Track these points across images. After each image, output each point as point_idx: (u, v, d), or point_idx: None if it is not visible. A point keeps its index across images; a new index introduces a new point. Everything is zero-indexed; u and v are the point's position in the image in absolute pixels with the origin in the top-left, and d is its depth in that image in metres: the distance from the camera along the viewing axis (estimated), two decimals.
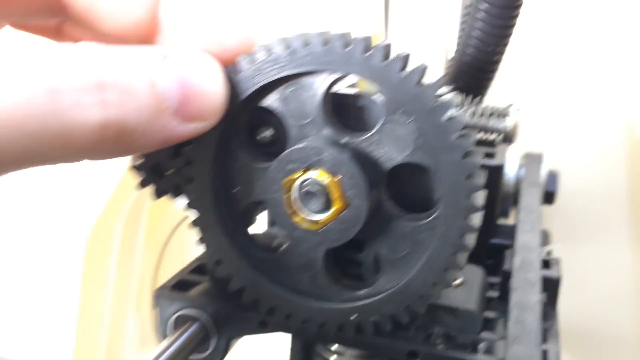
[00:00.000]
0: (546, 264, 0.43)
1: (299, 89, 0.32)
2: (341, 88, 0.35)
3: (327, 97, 0.32)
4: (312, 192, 0.32)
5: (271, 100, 0.33)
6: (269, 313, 0.37)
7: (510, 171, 0.55)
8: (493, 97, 0.46)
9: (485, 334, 0.38)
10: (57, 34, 0.36)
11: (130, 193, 0.78)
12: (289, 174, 0.32)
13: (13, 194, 0.77)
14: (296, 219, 0.33)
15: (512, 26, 0.37)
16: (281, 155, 0.32)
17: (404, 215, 0.34)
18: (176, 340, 0.40)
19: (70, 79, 0.25)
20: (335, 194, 0.32)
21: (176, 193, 0.37)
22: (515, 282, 0.35)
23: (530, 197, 0.48)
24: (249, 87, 0.32)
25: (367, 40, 0.30)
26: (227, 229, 0.36)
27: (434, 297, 0.33)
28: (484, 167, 0.50)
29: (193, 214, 0.37)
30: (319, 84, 0.32)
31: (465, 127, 0.31)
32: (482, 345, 0.37)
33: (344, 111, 0.35)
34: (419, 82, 0.30)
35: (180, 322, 0.42)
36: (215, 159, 0.34)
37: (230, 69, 0.32)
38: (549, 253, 0.45)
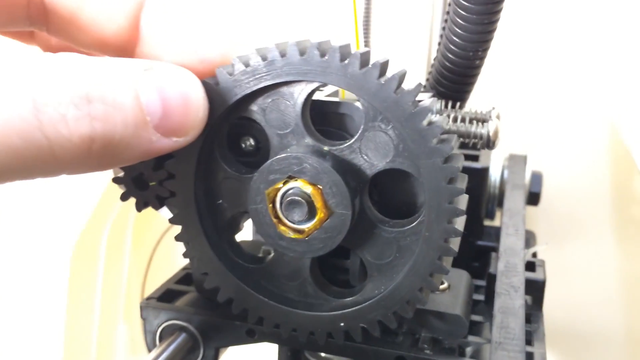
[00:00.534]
0: (531, 266, 0.43)
1: (279, 99, 0.32)
2: (322, 96, 0.35)
3: (306, 106, 0.32)
4: (295, 202, 0.32)
5: (252, 111, 0.33)
6: (257, 323, 0.37)
7: (495, 173, 0.55)
8: (476, 99, 0.46)
9: (471, 338, 0.38)
10: (30, 38, 0.36)
11: (116, 201, 0.78)
12: (271, 184, 0.32)
13: None
14: (281, 229, 0.33)
15: (492, 31, 0.37)
16: (263, 166, 0.32)
17: (388, 221, 0.34)
18: (164, 351, 0.40)
19: (56, 92, 0.24)
20: (318, 203, 0.32)
21: (159, 204, 0.37)
22: (499, 286, 0.35)
23: (514, 199, 0.49)
24: (229, 99, 0.32)
25: (344, 48, 0.30)
26: (212, 241, 0.36)
27: (421, 302, 0.33)
28: (469, 169, 0.50)
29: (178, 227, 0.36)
30: (298, 94, 0.32)
31: (445, 132, 0.31)
32: (469, 349, 0.38)
33: (325, 119, 0.35)
34: (397, 88, 0.30)
35: (168, 333, 0.42)
36: (197, 171, 0.34)
37: (209, 81, 0.32)
38: (534, 255, 0.45)
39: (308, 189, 0.31)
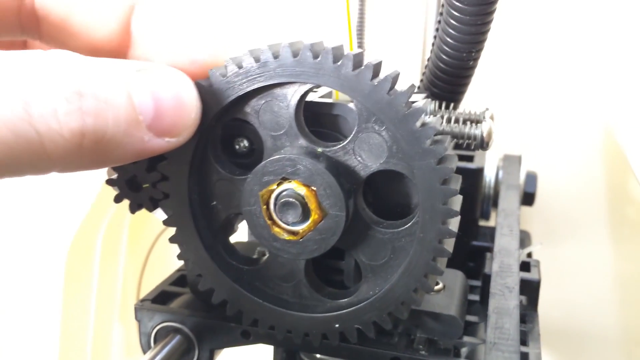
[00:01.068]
0: (526, 266, 0.43)
1: (272, 101, 0.32)
2: (315, 97, 0.35)
3: (300, 107, 0.32)
4: (289, 203, 0.32)
5: (245, 113, 0.33)
6: (252, 325, 0.37)
7: (490, 173, 0.55)
8: (471, 100, 0.46)
9: (467, 339, 0.38)
10: (23, 48, 0.36)
11: (111, 203, 0.77)
12: (265, 186, 0.32)
13: None
14: (275, 230, 0.33)
15: (485, 32, 0.37)
16: (257, 167, 0.32)
17: (382, 222, 0.34)
18: (159, 353, 0.40)
19: (47, 86, 0.24)
20: (312, 204, 0.31)
21: (152, 206, 0.37)
22: (494, 287, 0.35)
23: (509, 200, 0.49)
24: (222, 101, 0.32)
25: (337, 50, 0.30)
26: (207, 242, 0.36)
27: (415, 302, 0.33)
28: (463, 170, 0.50)
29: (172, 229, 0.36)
30: (292, 95, 0.32)
31: (439, 133, 0.31)
32: (464, 350, 0.38)
33: (318, 120, 0.35)
34: (390, 89, 0.30)
35: (162, 335, 0.42)
36: (191, 173, 0.34)
37: (202, 83, 0.32)
38: (529, 255, 0.45)
39: (302, 190, 0.31)
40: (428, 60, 0.42)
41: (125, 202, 0.37)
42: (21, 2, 0.32)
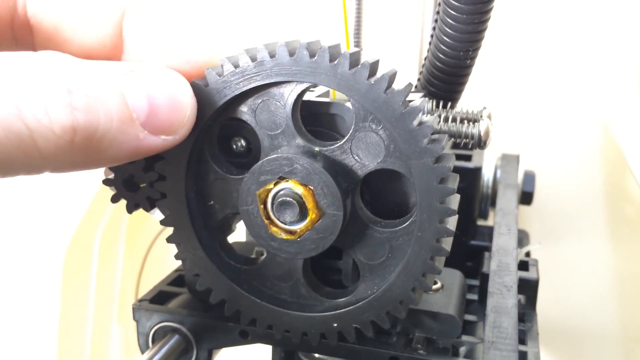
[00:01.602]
0: (524, 265, 0.43)
1: (269, 100, 0.32)
2: (312, 96, 0.35)
3: (297, 106, 0.32)
4: (286, 203, 0.32)
5: (242, 112, 0.33)
6: (250, 324, 0.37)
7: (488, 173, 0.55)
8: (468, 99, 0.46)
9: (465, 338, 0.38)
10: None
11: (109, 203, 0.77)
12: (262, 185, 0.32)
13: None
14: (273, 230, 0.33)
15: (482, 31, 0.37)
16: (254, 167, 0.32)
17: (380, 221, 0.34)
18: (157, 353, 0.40)
19: (37, 82, 0.24)
20: (309, 203, 0.31)
21: (150, 206, 0.37)
22: (492, 286, 0.35)
23: (507, 199, 0.48)
24: (218, 100, 0.32)
25: (334, 49, 0.30)
26: (204, 242, 0.36)
27: (413, 302, 0.33)
28: (461, 169, 0.50)
29: (169, 228, 0.36)
30: (288, 94, 0.32)
31: (436, 132, 0.31)
32: (462, 349, 0.38)
33: (315, 120, 0.35)
34: (387, 88, 0.30)
35: (160, 335, 0.42)
36: (188, 173, 0.34)
37: (198, 83, 0.31)
38: (527, 254, 0.45)
39: (299, 189, 0.31)
40: (425, 59, 0.41)
41: (123, 203, 0.37)
42: (14, 12, 0.32)
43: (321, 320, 0.35)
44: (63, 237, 0.74)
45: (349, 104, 0.34)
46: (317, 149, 0.32)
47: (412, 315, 0.38)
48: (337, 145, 0.32)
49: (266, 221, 0.33)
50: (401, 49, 0.66)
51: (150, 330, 0.42)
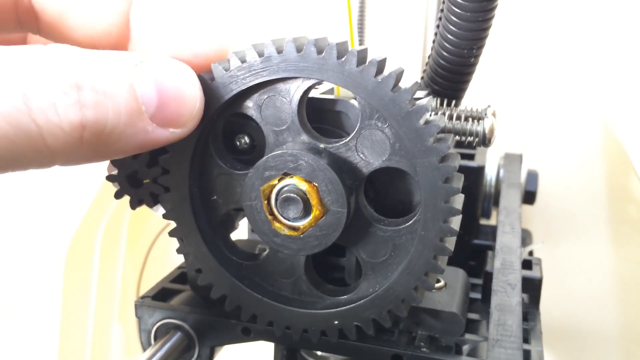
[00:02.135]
0: (527, 264, 0.43)
1: (275, 96, 0.32)
2: (318, 93, 0.35)
3: (303, 103, 0.32)
4: (290, 199, 0.32)
5: (247, 107, 0.33)
6: (251, 321, 0.37)
7: (491, 172, 0.55)
8: (471, 99, 0.46)
9: (468, 336, 0.38)
10: (23, 43, 0.35)
11: (111, 200, 0.77)
12: (267, 181, 0.32)
13: None
14: (276, 226, 0.33)
15: (487, 28, 0.37)
16: (258, 162, 0.32)
17: (383, 219, 0.34)
18: (159, 350, 0.40)
19: (46, 79, 0.24)
20: (313, 200, 0.31)
21: (153, 202, 0.37)
22: (496, 284, 0.35)
23: (510, 198, 0.48)
24: (224, 95, 0.32)
25: (341, 46, 0.30)
26: (207, 237, 0.36)
27: (416, 300, 0.33)
28: (464, 168, 0.50)
29: (172, 224, 0.36)
30: (295, 90, 0.32)
31: (442, 131, 0.31)
32: (466, 347, 0.37)
33: (321, 117, 0.34)
34: (394, 86, 0.30)
35: (163, 332, 0.42)
36: (192, 167, 0.34)
37: (204, 77, 0.31)
38: (530, 253, 0.45)
39: (304, 186, 0.31)
40: (429, 57, 0.41)
41: (125, 201, 0.37)
42: None
43: (322, 318, 0.35)
44: (65, 235, 0.74)
45: (354, 102, 0.34)
46: (322, 145, 0.32)
47: (415, 313, 0.38)
48: (343, 142, 0.32)
49: (269, 217, 0.33)
50: (404, 47, 0.66)
51: (153, 328, 0.42)
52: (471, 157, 0.53)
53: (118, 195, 0.37)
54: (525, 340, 0.38)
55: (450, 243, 0.32)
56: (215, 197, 0.36)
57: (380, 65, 0.30)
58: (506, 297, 0.34)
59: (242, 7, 0.80)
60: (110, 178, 0.36)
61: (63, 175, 0.74)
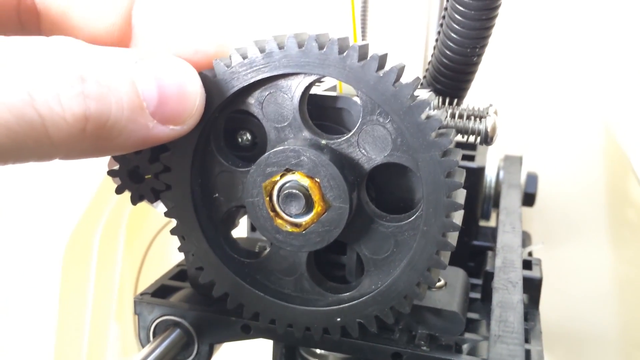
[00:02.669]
0: (527, 264, 0.43)
1: (276, 92, 0.32)
2: (319, 90, 0.35)
3: (304, 99, 0.32)
4: (292, 195, 0.32)
5: (249, 104, 0.33)
6: (252, 318, 0.36)
7: (491, 173, 0.55)
8: (471, 101, 0.46)
9: (468, 335, 0.38)
10: None
11: (109, 199, 0.77)
12: (268, 177, 0.32)
13: None
14: (278, 222, 0.33)
15: (490, 27, 0.37)
16: (260, 158, 0.32)
17: (385, 216, 0.34)
18: (158, 347, 0.40)
19: (50, 70, 0.24)
20: (315, 196, 0.31)
21: (154, 198, 0.37)
22: (497, 282, 0.35)
23: (510, 198, 0.48)
24: (226, 92, 0.32)
25: (343, 41, 0.30)
26: (208, 235, 0.36)
27: (418, 296, 0.33)
28: (464, 169, 0.50)
29: (170, 223, 0.36)
30: (296, 86, 0.32)
31: (443, 126, 0.31)
32: (465, 346, 0.37)
33: (322, 113, 0.34)
34: (396, 81, 0.30)
35: (162, 329, 0.42)
36: (193, 164, 0.34)
37: (206, 73, 0.31)
38: (529, 254, 0.45)
39: (305, 182, 0.31)
40: (432, 56, 0.41)
41: (123, 200, 0.37)
42: None
43: (324, 315, 0.35)
44: (63, 233, 0.74)
45: (356, 98, 0.34)
46: (323, 141, 0.32)
47: (415, 312, 0.38)
48: (344, 138, 0.32)
49: (271, 213, 0.33)
50: (406, 46, 0.66)
51: (152, 324, 0.42)
52: (471, 158, 0.53)
53: (119, 191, 0.37)
54: (525, 340, 0.37)
55: (453, 238, 0.32)
56: (216, 194, 0.36)
57: (382, 60, 0.30)
58: (507, 294, 0.34)
59: (243, 3, 0.80)
60: (111, 173, 0.36)
61: (62, 173, 0.74)
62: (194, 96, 0.29)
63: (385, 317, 0.34)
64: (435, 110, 0.34)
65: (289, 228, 0.33)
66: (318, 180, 0.31)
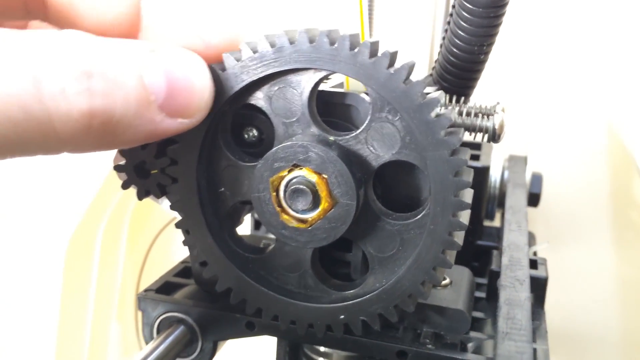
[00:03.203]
0: (533, 263, 0.43)
1: (286, 87, 0.32)
2: (328, 86, 0.35)
3: (313, 95, 0.32)
4: (299, 191, 0.31)
5: (257, 99, 0.33)
6: (256, 314, 0.36)
7: (495, 173, 0.55)
8: (476, 99, 0.46)
9: (473, 334, 0.38)
10: None
11: (112, 197, 0.77)
12: (276, 172, 0.32)
13: None
14: (284, 218, 0.33)
15: (498, 25, 0.37)
16: (268, 153, 0.32)
17: (391, 214, 0.34)
18: (162, 343, 0.40)
19: (57, 65, 0.24)
20: (323, 192, 0.31)
21: (160, 193, 0.36)
22: (504, 279, 0.35)
23: (516, 198, 0.48)
24: (235, 85, 0.32)
25: (354, 37, 0.30)
26: (213, 229, 0.36)
27: (423, 295, 0.33)
28: (471, 168, 0.50)
29: (178, 215, 0.36)
30: (306, 82, 0.32)
31: (452, 125, 0.31)
32: (470, 345, 0.37)
33: (330, 110, 0.34)
34: (406, 78, 0.30)
35: (165, 325, 0.41)
36: (200, 158, 0.34)
37: (215, 67, 0.31)
38: (535, 253, 0.45)
39: (313, 177, 0.31)
40: (438, 54, 0.41)
41: (126, 200, 0.37)
42: None
43: (328, 312, 0.35)
44: (65, 233, 0.74)
45: (364, 95, 0.34)
46: (332, 138, 0.32)
47: (420, 310, 0.37)
48: (353, 135, 0.32)
49: (278, 209, 0.33)
50: (413, 43, 0.66)
51: (156, 321, 0.42)
52: (476, 157, 0.53)
53: (125, 186, 0.36)
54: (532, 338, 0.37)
55: (459, 237, 0.32)
56: (222, 189, 0.35)
57: (393, 57, 0.30)
58: (515, 292, 0.34)
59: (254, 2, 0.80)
60: (117, 168, 0.36)
61: (64, 171, 0.74)
62: (203, 89, 0.29)
63: (390, 315, 0.34)
64: (444, 109, 0.34)
65: (295, 224, 0.32)
66: (326, 176, 0.31)
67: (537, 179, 0.59)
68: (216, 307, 0.40)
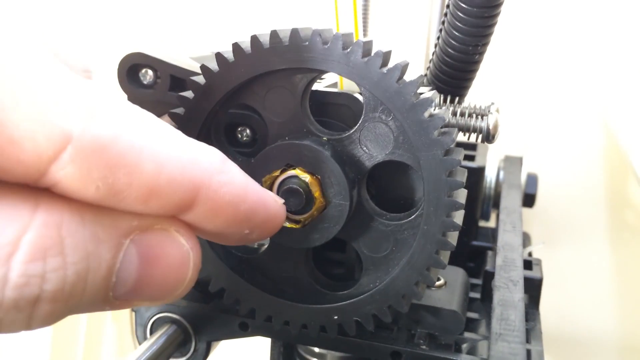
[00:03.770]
0: (527, 264, 0.43)
1: (279, 87, 0.32)
2: (322, 86, 0.35)
3: (306, 94, 0.32)
4: (292, 191, 0.31)
5: (250, 99, 0.33)
6: (249, 315, 0.36)
7: (491, 174, 0.55)
8: (471, 99, 0.46)
9: (467, 335, 0.38)
10: None
11: None
12: (269, 172, 0.32)
13: None
14: None
15: (493, 25, 0.37)
16: (261, 152, 0.32)
17: (385, 214, 0.33)
18: (155, 344, 0.40)
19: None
20: (316, 192, 0.31)
21: None
22: (498, 280, 0.35)
23: (511, 198, 0.48)
24: (227, 85, 0.31)
25: (347, 37, 0.30)
26: None
27: (416, 296, 0.33)
28: (464, 169, 0.50)
29: None
30: (299, 81, 0.32)
31: (446, 125, 0.31)
32: (465, 346, 0.37)
33: (323, 110, 0.34)
34: (399, 79, 0.29)
35: (159, 326, 0.41)
36: None
37: (207, 67, 0.31)
38: (530, 254, 0.45)
39: (306, 177, 0.31)
40: (433, 54, 0.41)
41: None
42: None
43: (321, 312, 0.35)
44: None
45: (358, 95, 0.33)
46: (325, 138, 0.32)
47: (415, 311, 0.37)
48: (346, 135, 0.32)
49: None
50: (408, 43, 0.66)
51: (149, 322, 0.42)
52: (471, 158, 0.53)
53: None
54: (526, 339, 0.37)
55: (453, 238, 0.32)
56: None
57: (386, 57, 0.30)
58: (508, 292, 0.34)
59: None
60: None
61: None
62: (179, 283, 0.24)
63: (383, 316, 0.33)
64: (438, 109, 0.34)
65: (287, 224, 0.32)
66: (319, 176, 0.31)
67: (532, 180, 0.59)
68: (210, 308, 0.40)
